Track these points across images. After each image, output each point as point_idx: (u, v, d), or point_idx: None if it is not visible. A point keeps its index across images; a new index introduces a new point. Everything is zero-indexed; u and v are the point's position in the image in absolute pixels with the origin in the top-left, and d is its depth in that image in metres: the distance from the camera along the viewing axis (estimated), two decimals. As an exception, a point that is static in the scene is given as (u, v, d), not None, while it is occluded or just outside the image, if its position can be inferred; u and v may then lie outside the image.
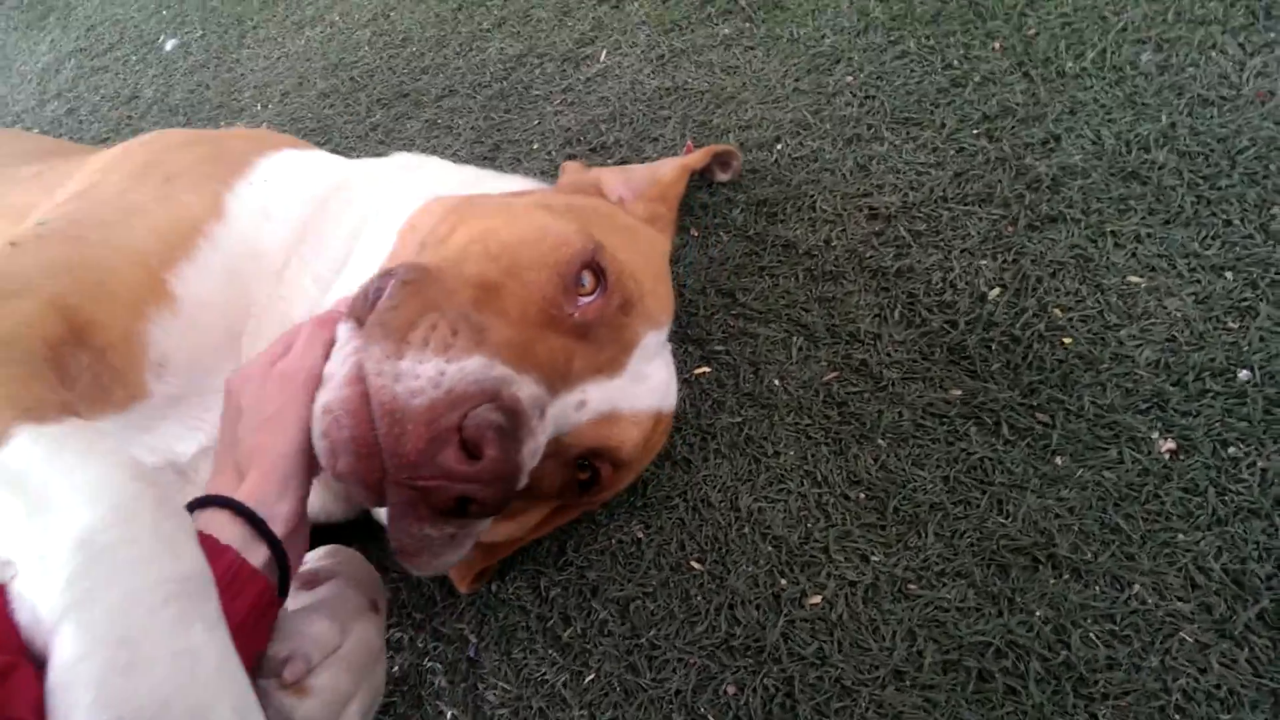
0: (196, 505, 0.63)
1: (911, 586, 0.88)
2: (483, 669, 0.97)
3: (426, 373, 0.62)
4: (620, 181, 1.08)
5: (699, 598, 0.94)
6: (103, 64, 1.99)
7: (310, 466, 0.67)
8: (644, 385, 0.83)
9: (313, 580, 0.81)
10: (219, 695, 0.50)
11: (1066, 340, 0.96)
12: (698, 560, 0.96)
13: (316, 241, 0.92)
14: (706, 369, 1.08)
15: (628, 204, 1.05)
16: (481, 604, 1.01)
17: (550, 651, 0.95)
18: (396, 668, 1.00)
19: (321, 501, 0.99)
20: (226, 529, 0.61)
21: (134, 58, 1.97)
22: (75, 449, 0.57)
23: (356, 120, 1.57)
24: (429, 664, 0.99)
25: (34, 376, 0.65)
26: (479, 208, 0.85)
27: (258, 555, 0.62)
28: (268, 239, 0.89)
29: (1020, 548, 0.87)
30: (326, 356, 0.69)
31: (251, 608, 0.58)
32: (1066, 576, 0.84)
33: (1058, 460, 0.90)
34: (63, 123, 1.88)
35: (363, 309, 0.70)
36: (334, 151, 1.47)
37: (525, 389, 0.66)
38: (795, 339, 1.06)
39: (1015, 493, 0.89)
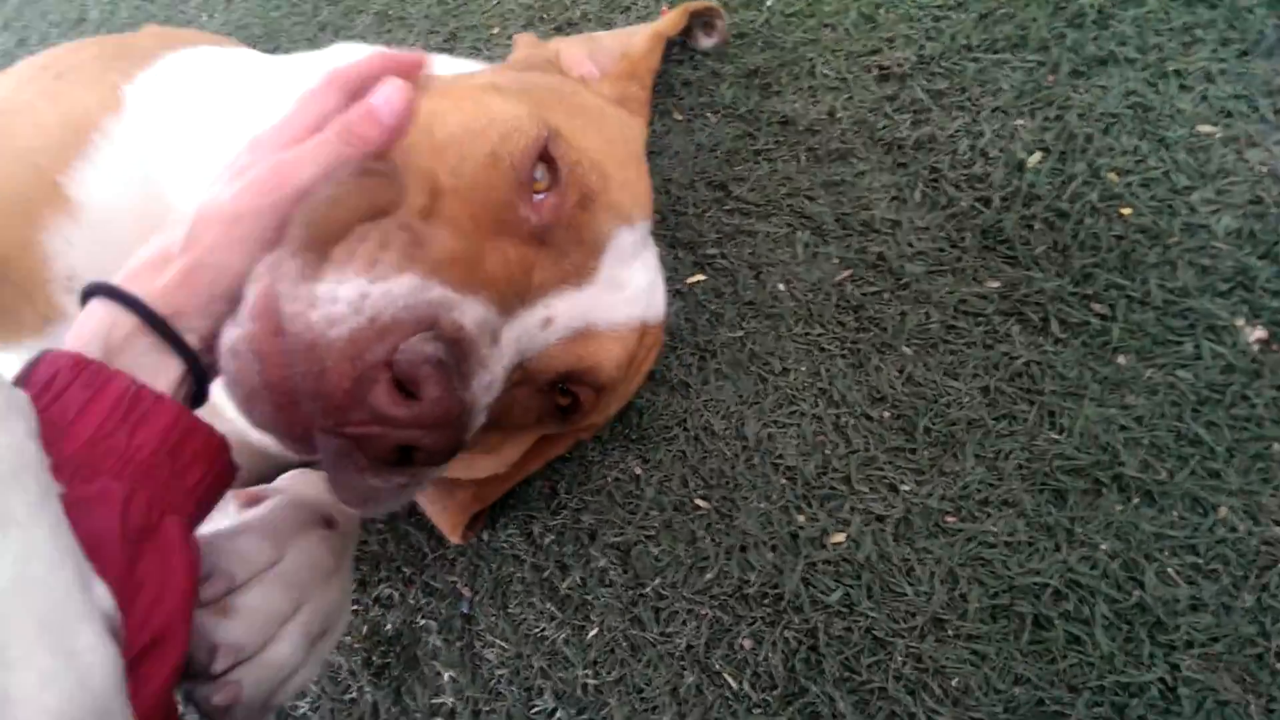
0: (86, 294, 0.47)
1: (950, 519, 0.70)
2: (479, 626, 0.83)
3: (345, 297, 0.45)
4: (584, 54, 0.85)
5: (706, 540, 0.77)
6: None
7: None
8: (621, 293, 0.64)
9: (254, 499, 0.65)
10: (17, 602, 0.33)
11: (1125, 211, 0.74)
12: (703, 498, 0.79)
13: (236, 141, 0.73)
14: (701, 276, 0.88)
15: (593, 83, 0.83)
16: (473, 554, 0.86)
17: (548, 605, 0.80)
18: (390, 626, 0.86)
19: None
20: (120, 329, 0.45)
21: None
22: None
23: (304, 21, 1.33)
24: (423, 622, 0.85)
25: None
26: (423, 91, 0.64)
27: (167, 371, 0.46)
28: (181, 138, 0.71)
29: (1078, 468, 0.68)
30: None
31: (161, 438, 0.43)
32: (1136, 501, 0.65)
33: (1120, 360, 0.70)
34: (14, 54, 1.66)
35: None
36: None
37: (470, 312, 0.48)
38: (800, 234, 0.85)
39: (1070, 402, 0.70)
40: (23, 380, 0.42)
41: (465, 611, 0.84)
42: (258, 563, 0.55)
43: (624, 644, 0.76)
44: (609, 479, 0.84)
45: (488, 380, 0.50)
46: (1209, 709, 0.59)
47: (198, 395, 0.50)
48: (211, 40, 0.87)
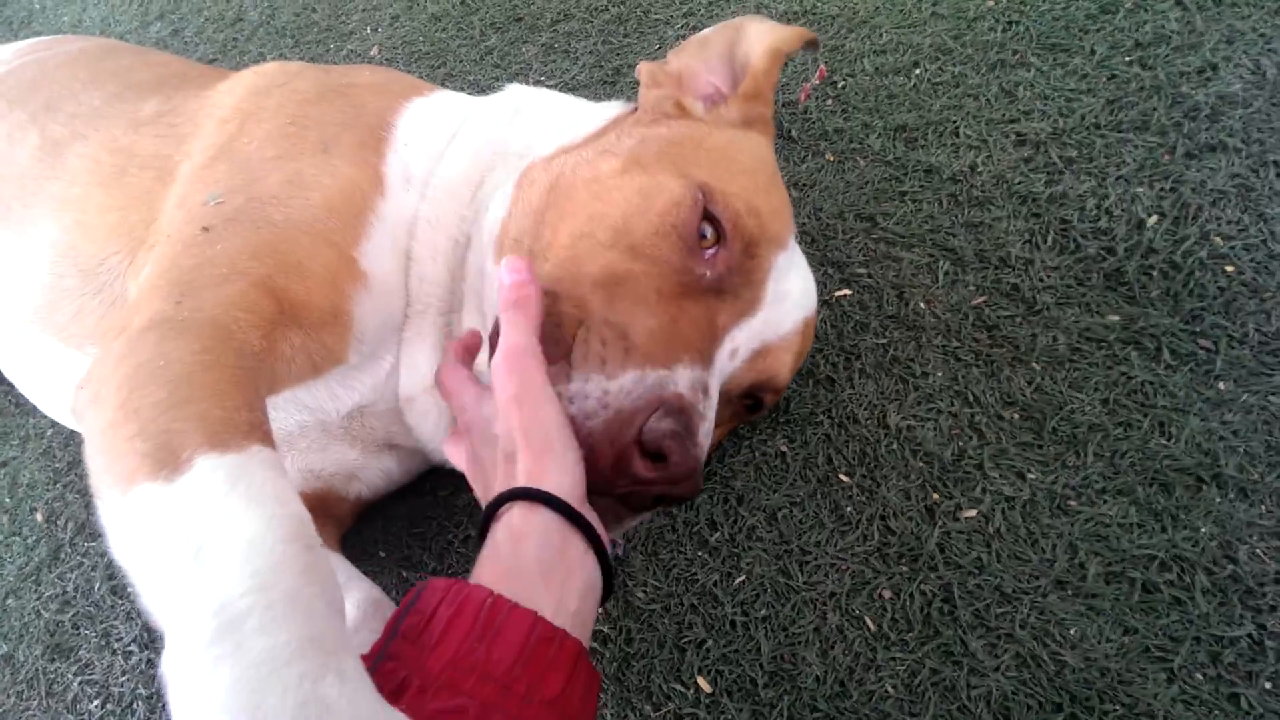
0: (490, 510, 0.62)
1: (1071, 503, 0.89)
2: (631, 568, 0.99)
3: (594, 393, 0.66)
4: (701, 66, 0.97)
5: (849, 508, 0.95)
6: (204, -14, 1.99)
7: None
8: (784, 305, 0.82)
9: None
10: None
11: (1229, 268, 0.95)
12: (846, 474, 0.98)
13: (435, 202, 0.92)
14: (848, 291, 1.09)
15: (721, 107, 0.95)
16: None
17: (699, 553, 0.98)
18: (544, 567, 1.02)
19: (384, 467, 1.05)
20: (530, 522, 0.59)
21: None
22: (244, 493, 0.57)
23: (471, 44, 1.56)
24: (577, 564, 1.01)
25: (232, 387, 0.65)
26: (571, 191, 0.82)
27: (575, 545, 0.60)
28: (412, 204, 0.90)
29: (1184, 468, 0.87)
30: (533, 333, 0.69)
31: (518, 649, 0.51)
32: (1232, 495, 0.85)
33: (1221, 385, 0.90)
34: (168, 44, 1.89)
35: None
36: (450, 76, 1.48)
37: (683, 379, 0.68)
38: (941, 263, 1.06)
39: (1178, 416, 0.90)
40: (411, 604, 0.53)
41: (619, 554, 1.00)
42: None
43: (770, 590, 0.93)
44: (757, 454, 1.02)
45: (706, 428, 0.70)
46: (1292, 659, 0.77)
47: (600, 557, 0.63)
48: (416, 90, 1.00)
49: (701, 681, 0.90)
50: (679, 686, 0.90)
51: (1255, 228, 0.96)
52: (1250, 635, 0.79)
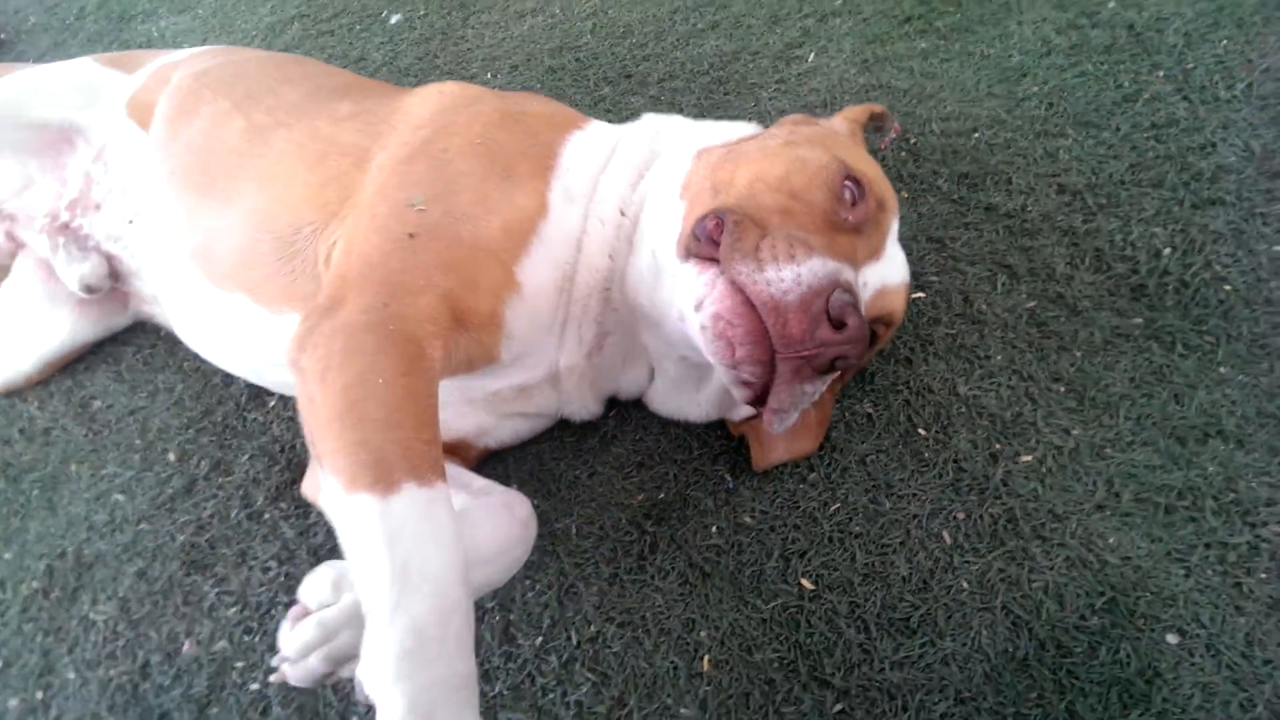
0: None
1: (1107, 450, 1.19)
2: (740, 497, 1.27)
3: (788, 276, 0.94)
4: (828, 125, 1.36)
5: (927, 454, 1.25)
6: (328, 28, 2.36)
7: None
8: (895, 262, 1.14)
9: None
10: None
11: (1227, 287, 1.29)
12: (923, 429, 1.28)
13: (602, 202, 1.20)
14: (922, 294, 1.41)
15: (835, 120, 1.35)
16: (732, 451, 1.32)
17: (800, 486, 1.26)
18: (663, 494, 1.29)
19: (514, 427, 1.33)
20: None
21: (359, 26, 2.35)
22: (434, 529, 0.88)
23: (586, 92, 1.92)
24: (693, 493, 1.29)
25: (429, 420, 0.95)
26: (744, 154, 1.16)
27: None
28: (573, 219, 1.17)
29: (1194, 425, 1.19)
30: None
31: None
32: (1232, 446, 1.16)
33: (1222, 370, 1.23)
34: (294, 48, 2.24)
35: (696, 246, 1.02)
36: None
37: (848, 273, 0.99)
38: (999, 276, 1.40)
39: (1189, 390, 1.22)
40: None
41: (729, 488, 1.28)
42: (320, 597, 1.01)
43: (861, 514, 1.22)
44: (846, 415, 1.32)
45: (864, 313, 1.00)
46: (1281, 551, 1.06)
47: None
48: (577, 124, 1.26)
49: (805, 582, 1.17)
50: (785, 586, 1.17)
51: (1246, 259, 1.31)
52: (1248, 542, 1.08)
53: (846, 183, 1.06)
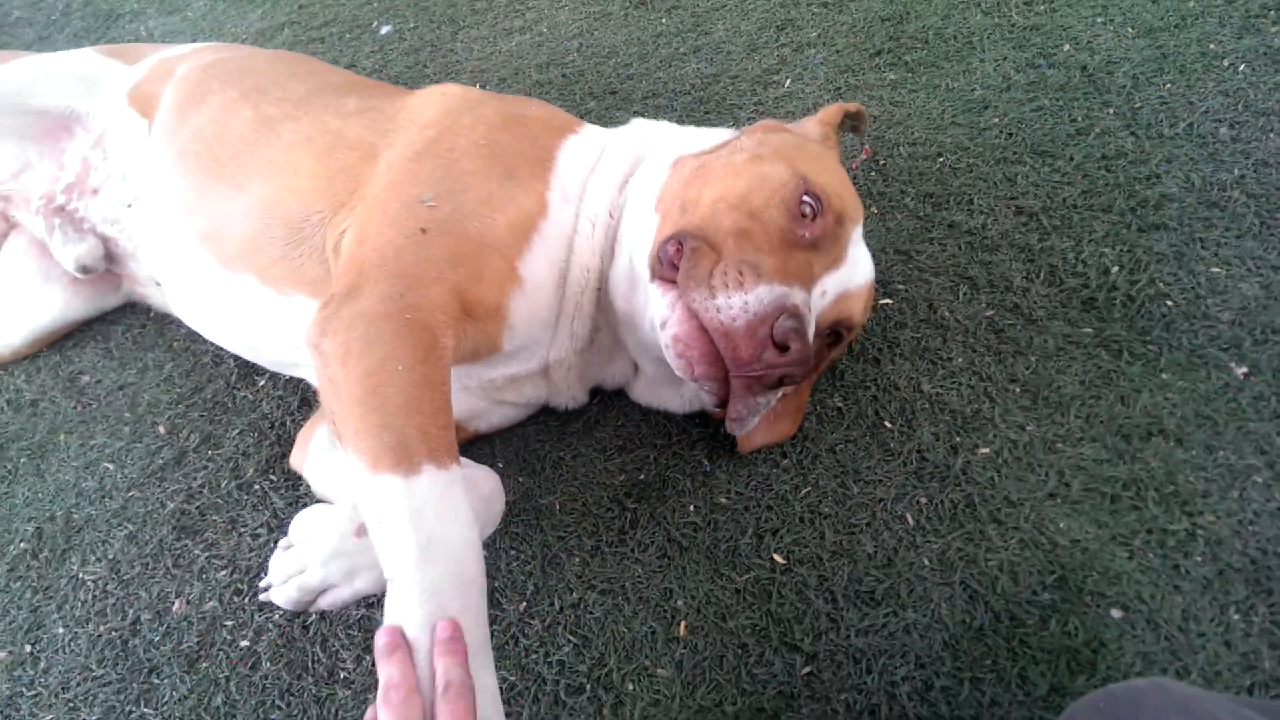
0: None
1: (1059, 445, 1.29)
2: (716, 480, 1.34)
3: (736, 304, 1.03)
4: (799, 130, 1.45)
5: (892, 444, 1.34)
6: (318, 35, 2.43)
7: None
8: (858, 267, 1.22)
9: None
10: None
11: (1169, 303, 1.41)
12: (889, 422, 1.36)
13: (592, 204, 1.28)
14: (889, 300, 1.51)
15: (807, 124, 1.43)
16: (709, 437, 1.39)
17: (773, 470, 1.33)
18: (643, 475, 1.36)
19: (503, 413, 1.41)
20: None
21: (349, 35, 2.42)
22: (452, 509, 0.97)
23: (572, 106, 2.01)
24: (672, 475, 1.36)
25: (443, 406, 1.03)
26: (711, 170, 1.23)
27: None
28: (567, 219, 1.26)
29: (1138, 424, 1.29)
30: None
31: None
32: (1172, 444, 1.26)
33: (1164, 376, 1.33)
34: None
35: (659, 268, 1.12)
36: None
37: (797, 296, 1.07)
38: (961, 286, 1.50)
39: (1133, 393, 1.32)
40: None
41: (706, 470, 1.36)
42: (294, 538, 1.14)
43: (830, 497, 1.30)
44: (818, 407, 1.40)
45: (811, 332, 1.09)
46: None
47: None
48: (570, 128, 1.33)
49: (777, 557, 1.24)
50: (758, 560, 1.24)
51: (1187, 279, 1.43)
52: (1186, 529, 1.18)
53: (805, 199, 1.14)
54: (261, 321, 1.35)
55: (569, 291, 1.25)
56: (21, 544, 1.36)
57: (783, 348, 1.03)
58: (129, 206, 1.57)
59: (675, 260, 1.10)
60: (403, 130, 1.32)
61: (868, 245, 1.26)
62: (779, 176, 1.16)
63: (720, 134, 1.38)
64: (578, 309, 1.27)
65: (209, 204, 1.37)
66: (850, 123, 1.49)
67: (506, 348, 1.21)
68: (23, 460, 1.49)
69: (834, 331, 1.22)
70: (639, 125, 1.45)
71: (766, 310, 1.03)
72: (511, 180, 1.21)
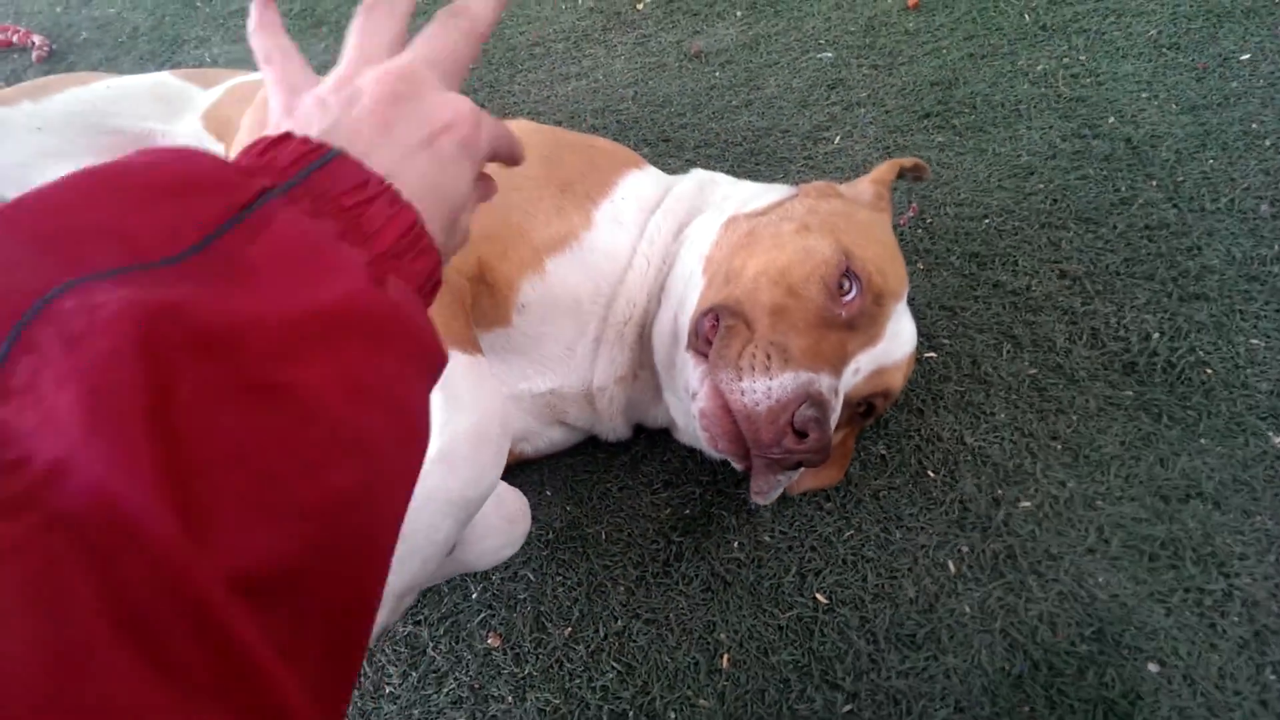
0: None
1: (1099, 503, 1.32)
2: (760, 518, 1.38)
3: (759, 389, 1.09)
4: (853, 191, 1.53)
5: (935, 493, 1.37)
6: (381, 71, 2.52)
7: None
8: (897, 341, 1.27)
9: None
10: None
11: (1209, 371, 1.45)
12: (933, 471, 1.40)
13: (650, 243, 1.36)
14: (934, 354, 1.56)
15: (859, 185, 1.49)
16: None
17: (817, 512, 1.37)
18: (688, 511, 1.40)
19: (551, 437, 1.45)
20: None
21: (411, 72, 2.51)
22: (475, 374, 1.05)
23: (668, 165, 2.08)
24: (716, 511, 1.40)
25: (460, 316, 1.12)
26: (760, 239, 1.28)
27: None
28: (618, 244, 1.33)
29: (1176, 486, 1.32)
30: None
31: (427, 276, 0.56)
32: (1210, 506, 1.30)
33: (1202, 440, 1.37)
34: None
35: (695, 340, 1.19)
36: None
37: (824, 383, 1.12)
38: (1005, 344, 1.55)
39: (1172, 456, 1.36)
40: (326, 161, 0.51)
41: (751, 508, 1.40)
42: None
43: (873, 541, 1.33)
44: (862, 454, 1.45)
45: (835, 419, 1.15)
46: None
47: None
48: (636, 164, 1.41)
49: (819, 596, 1.28)
50: (801, 599, 1.28)
51: (1226, 349, 1.47)
52: (1223, 589, 1.21)
53: (843, 278, 1.20)
54: None
55: (612, 319, 1.31)
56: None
57: (801, 434, 1.08)
58: None
59: (710, 335, 1.16)
60: None
61: (913, 301, 1.31)
62: (822, 253, 1.20)
63: (777, 191, 1.44)
64: (620, 338, 1.32)
65: None
66: (912, 174, 1.55)
67: (517, 323, 1.27)
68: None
69: (868, 403, 1.26)
70: (697, 175, 1.51)
71: (789, 398, 1.07)
72: (565, 194, 1.28)
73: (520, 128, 1.43)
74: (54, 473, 0.31)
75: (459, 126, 0.60)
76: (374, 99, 0.58)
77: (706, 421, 1.11)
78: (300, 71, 0.66)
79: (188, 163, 0.46)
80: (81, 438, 0.31)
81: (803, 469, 1.19)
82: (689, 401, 1.18)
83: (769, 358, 1.09)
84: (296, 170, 0.49)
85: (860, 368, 1.21)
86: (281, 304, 0.40)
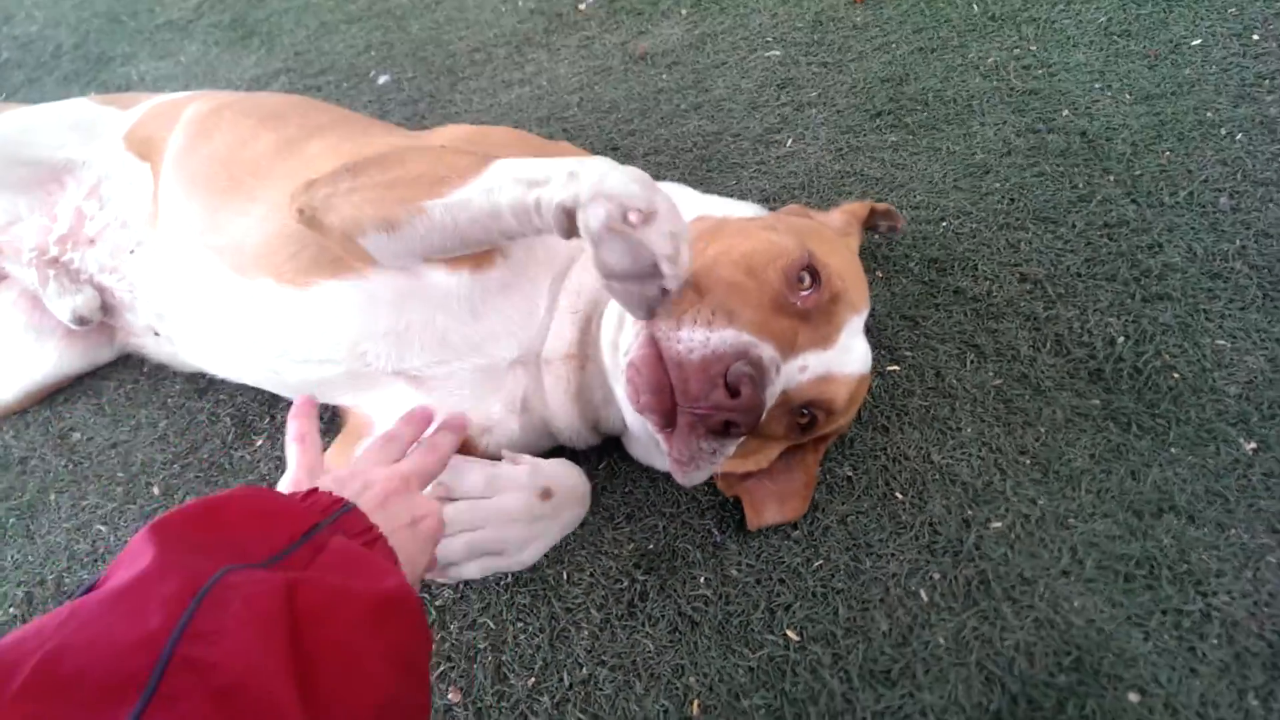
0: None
1: (1071, 521, 1.29)
2: (726, 551, 1.33)
3: (697, 338, 1.03)
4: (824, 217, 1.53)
5: (904, 516, 1.33)
6: (315, 84, 2.42)
7: None
8: (849, 355, 1.22)
9: (516, 460, 1.30)
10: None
11: (1176, 375, 1.42)
12: (900, 493, 1.36)
13: None
14: (897, 367, 1.51)
15: (830, 218, 1.49)
16: (719, 505, 1.38)
17: (785, 543, 1.32)
18: (652, 545, 1.34)
19: (510, 433, 1.38)
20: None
21: (346, 84, 2.41)
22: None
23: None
24: (681, 545, 1.34)
25: None
26: (725, 230, 1.27)
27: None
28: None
29: (1149, 501, 1.29)
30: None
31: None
32: (1184, 520, 1.26)
33: (1173, 450, 1.34)
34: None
35: (641, 311, 1.10)
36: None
37: (765, 351, 1.06)
38: (968, 354, 1.50)
39: (1144, 468, 1.32)
40: (348, 510, 0.85)
41: (716, 541, 1.34)
42: (471, 491, 1.22)
43: (843, 571, 1.28)
44: (828, 477, 1.40)
45: (771, 391, 1.08)
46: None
47: None
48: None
49: (790, 633, 1.23)
50: (771, 636, 1.23)
51: (1192, 351, 1.44)
52: (1200, 610, 1.18)
53: (803, 271, 1.15)
54: (284, 324, 1.32)
55: (567, 286, 1.31)
56: (11, 609, 1.32)
57: (734, 392, 1.01)
58: (132, 252, 1.55)
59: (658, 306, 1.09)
60: (426, 140, 1.43)
61: (874, 313, 1.26)
62: (786, 245, 1.17)
63: (750, 207, 1.43)
64: (572, 310, 1.30)
65: (222, 217, 1.38)
66: (883, 220, 1.57)
67: (500, 264, 1.28)
68: (12, 520, 1.45)
69: (810, 412, 1.21)
70: (667, 186, 1.47)
71: (725, 350, 1.02)
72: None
73: (470, 129, 1.47)
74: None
75: (431, 519, 0.98)
76: (382, 489, 0.95)
77: (632, 372, 1.05)
78: (320, 460, 1.06)
79: (261, 499, 0.79)
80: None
81: (728, 454, 1.12)
82: (620, 365, 1.11)
83: (713, 314, 1.04)
84: (334, 510, 0.82)
85: (808, 366, 1.15)
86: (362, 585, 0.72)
